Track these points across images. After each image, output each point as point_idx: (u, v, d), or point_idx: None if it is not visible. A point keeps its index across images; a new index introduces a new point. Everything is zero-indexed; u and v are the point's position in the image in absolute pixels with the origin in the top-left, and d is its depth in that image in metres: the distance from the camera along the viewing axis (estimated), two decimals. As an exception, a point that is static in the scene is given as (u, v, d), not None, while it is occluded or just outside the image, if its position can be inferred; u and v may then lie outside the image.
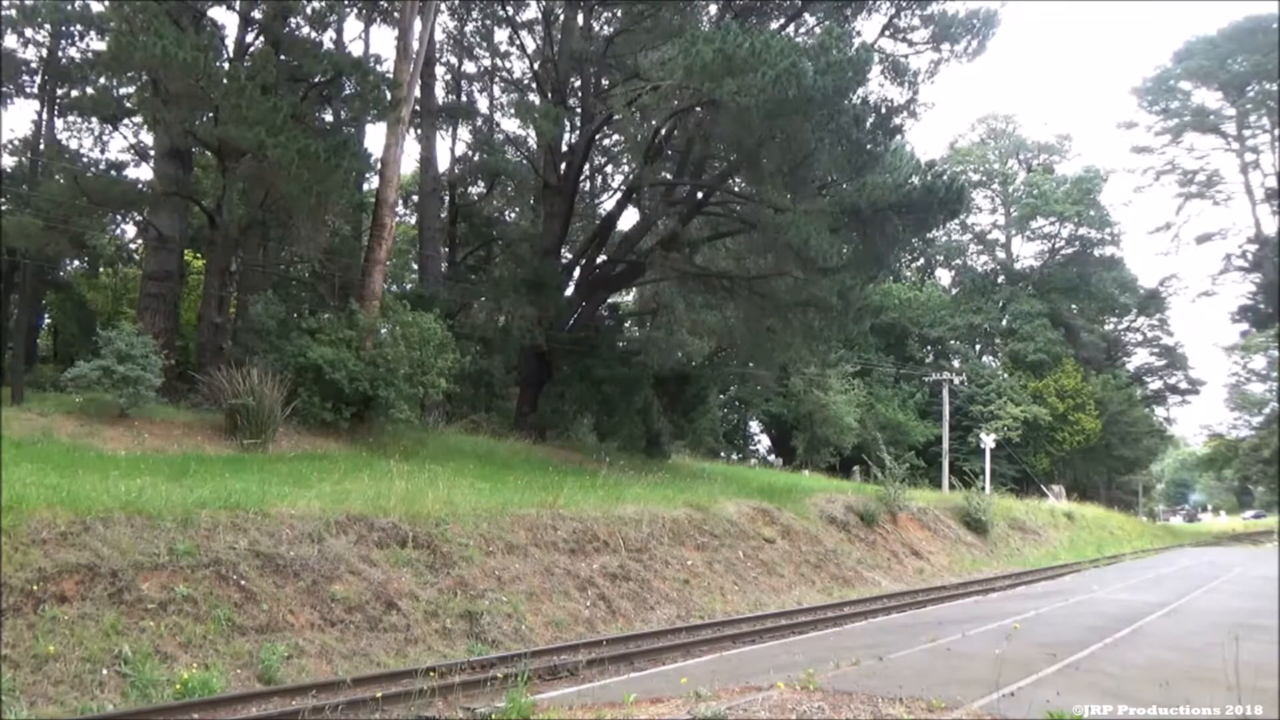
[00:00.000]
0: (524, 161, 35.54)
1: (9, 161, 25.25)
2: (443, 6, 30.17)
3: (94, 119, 26.27)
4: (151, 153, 25.71)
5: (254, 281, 25.35)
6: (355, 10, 28.41)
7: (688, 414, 29.48)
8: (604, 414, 25.70)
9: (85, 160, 27.37)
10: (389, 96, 20.80)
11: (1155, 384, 66.42)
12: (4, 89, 23.41)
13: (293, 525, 10.94)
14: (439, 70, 33.69)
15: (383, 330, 19.72)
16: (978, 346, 61.86)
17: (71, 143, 27.91)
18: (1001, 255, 65.08)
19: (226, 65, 20.43)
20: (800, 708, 6.98)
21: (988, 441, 42.94)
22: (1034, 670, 9.07)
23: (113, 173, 27.02)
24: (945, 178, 22.98)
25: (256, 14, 21.94)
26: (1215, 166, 61.82)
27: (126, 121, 26.22)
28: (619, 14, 28.61)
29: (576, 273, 28.91)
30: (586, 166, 31.59)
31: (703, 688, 7.51)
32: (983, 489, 33.59)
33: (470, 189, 37.60)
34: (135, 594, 8.82)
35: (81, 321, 26.29)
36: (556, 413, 26.28)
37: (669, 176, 27.25)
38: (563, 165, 28.38)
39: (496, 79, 37.02)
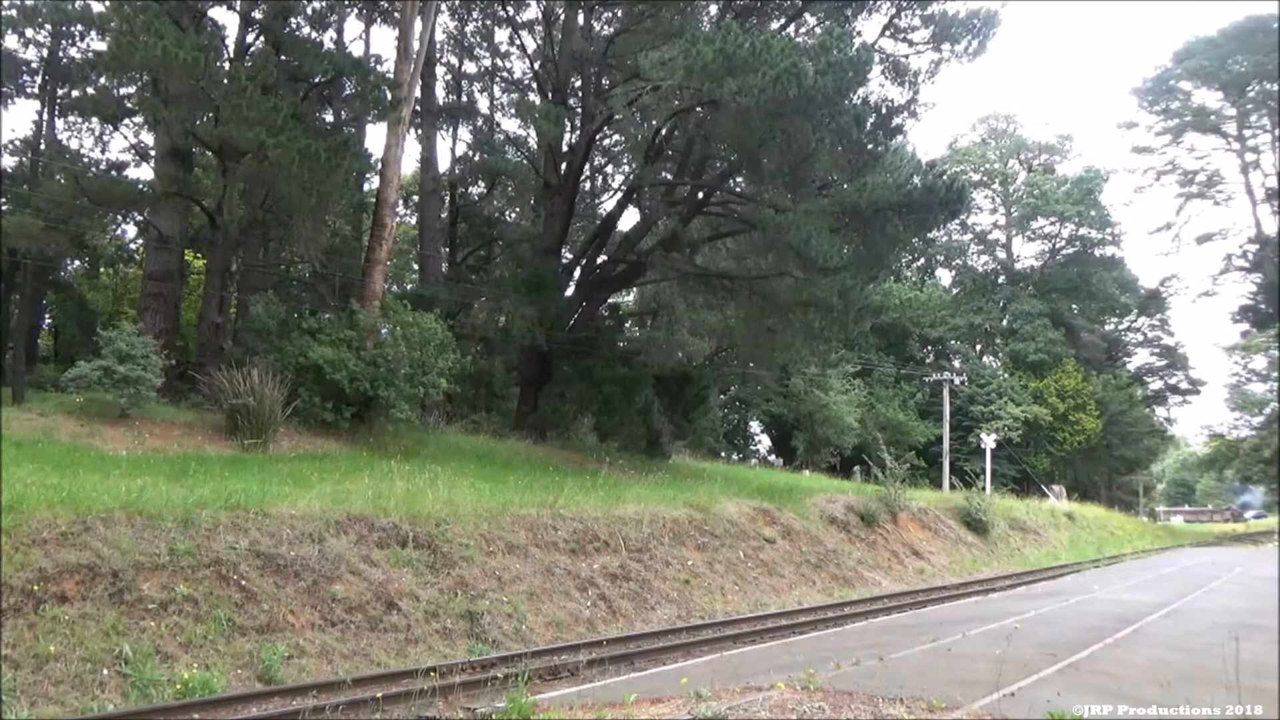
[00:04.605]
0: (524, 161, 35.54)
1: (9, 161, 25.25)
2: (443, 6, 30.16)
3: (94, 119, 26.24)
4: (152, 153, 25.68)
5: (254, 281, 25.34)
6: (355, 10, 28.40)
7: (688, 414, 29.47)
8: (604, 414, 25.69)
9: (86, 160, 27.35)
10: (389, 96, 20.79)
11: (1156, 384, 66.46)
12: (4, 89, 23.38)
13: (293, 525, 10.94)
14: (439, 70, 33.71)
15: (383, 330, 19.71)
16: (978, 346, 61.87)
17: (72, 143, 27.92)
18: (1002, 255, 65.11)
19: (227, 65, 20.44)
20: (801, 708, 6.98)
21: (988, 442, 42.94)
22: (1034, 670, 9.06)
23: (113, 173, 26.97)
24: (946, 178, 22.95)
25: (257, 14, 21.93)
26: (1216, 166, 61.93)
27: (127, 121, 26.22)
28: (619, 14, 28.62)
29: (577, 273, 28.90)
30: (587, 166, 31.58)
31: (703, 688, 7.50)
32: (983, 489, 33.58)
33: (470, 189, 37.62)
34: (136, 594, 8.82)
35: (82, 321, 26.28)
36: (557, 413, 26.28)
37: (669, 176, 27.22)
38: (563, 165, 28.37)
39: (497, 79, 37.03)
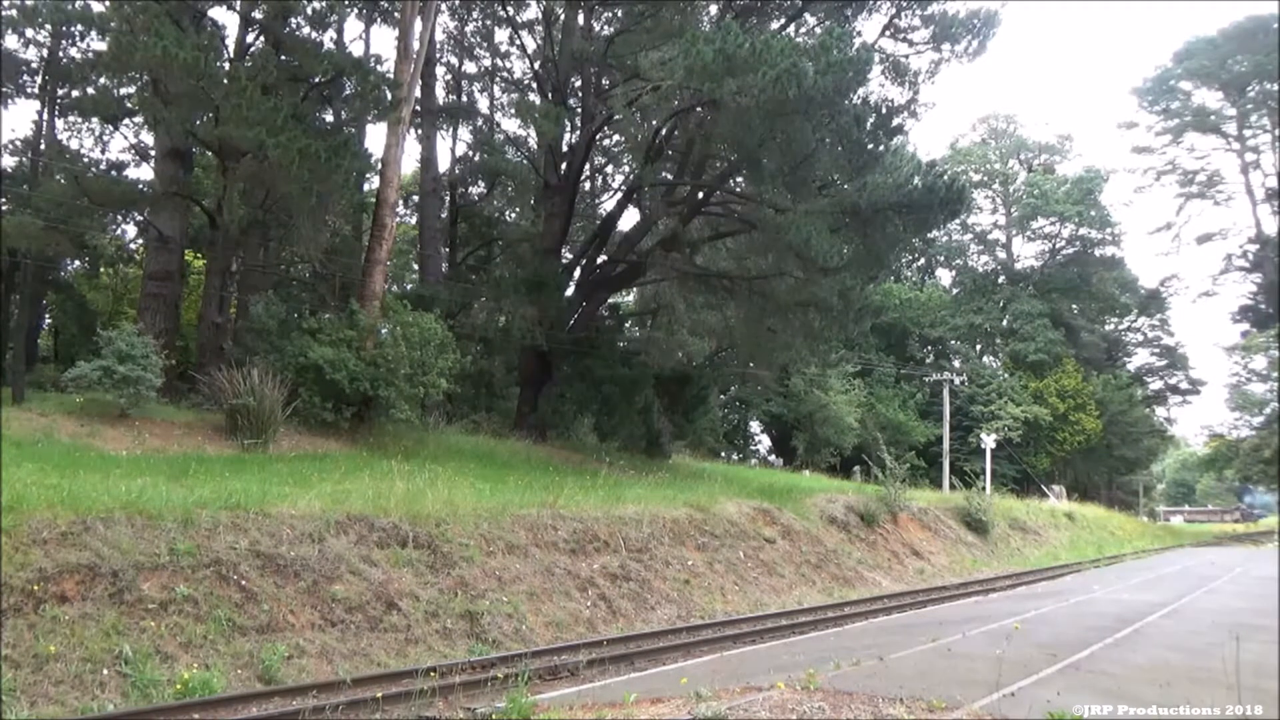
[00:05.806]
0: (524, 161, 35.51)
1: (10, 161, 25.22)
2: (443, 6, 30.15)
3: (94, 119, 26.23)
4: (152, 153, 25.70)
5: (254, 281, 25.34)
6: (355, 10, 28.37)
7: (688, 414, 29.50)
8: (604, 414, 25.70)
9: (86, 160, 27.36)
10: (389, 96, 20.79)
11: (1156, 384, 66.46)
12: (4, 89, 23.38)
13: (293, 525, 10.94)
14: (439, 70, 33.70)
15: (383, 330, 19.72)
16: (978, 346, 61.86)
17: (72, 143, 27.91)
18: (1002, 255, 65.09)
19: (227, 65, 20.43)
20: (801, 708, 6.98)
21: (988, 442, 42.93)
22: (1034, 670, 9.06)
23: (113, 173, 26.99)
24: (946, 178, 22.95)
25: (257, 14, 21.92)
26: (1216, 167, 61.94)
27: (127, 121, 26.20)
28: (619, 14, 28.61)
29: (577, 273, 28.90)
30: (587, 166, 31.56)
31: (703, 688, 7.50)
32: (983, 489, 33.57)
33: (470, 189, 37.58)
34: (136, 594, 8.82)
35: (82, 322, 26.27)
36: (557, 413, 26.28)
37: (669, 176, 27.23)
38: (563, 165, 28.37)
39: (497, 79, 37.00)
